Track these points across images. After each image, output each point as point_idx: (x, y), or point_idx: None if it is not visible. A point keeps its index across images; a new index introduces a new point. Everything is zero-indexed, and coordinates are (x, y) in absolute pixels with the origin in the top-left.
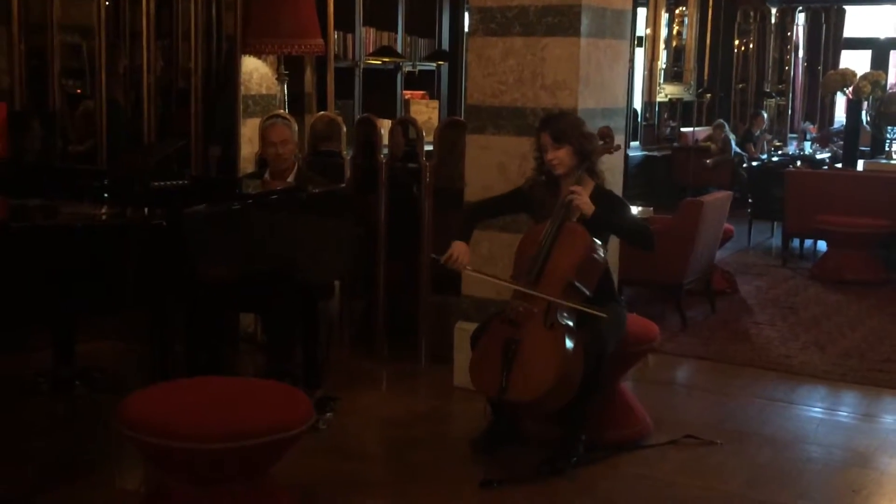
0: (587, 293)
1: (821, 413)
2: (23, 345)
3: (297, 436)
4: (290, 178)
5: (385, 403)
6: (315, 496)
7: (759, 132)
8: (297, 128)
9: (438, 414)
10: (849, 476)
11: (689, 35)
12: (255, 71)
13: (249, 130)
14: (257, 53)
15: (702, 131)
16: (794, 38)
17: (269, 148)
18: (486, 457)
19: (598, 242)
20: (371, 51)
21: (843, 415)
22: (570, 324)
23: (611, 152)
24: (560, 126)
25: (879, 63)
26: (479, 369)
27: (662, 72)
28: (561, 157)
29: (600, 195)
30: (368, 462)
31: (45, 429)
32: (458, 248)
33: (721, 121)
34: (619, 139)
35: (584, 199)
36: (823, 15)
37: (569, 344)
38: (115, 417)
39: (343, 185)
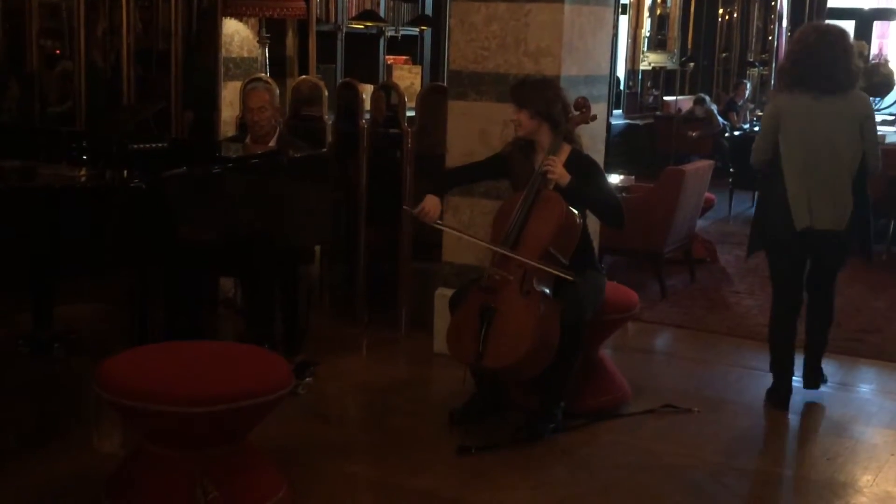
0: (564, 261)
1: (798, 381)
2: (1, 307)
3: (276, 400)
4: (272, 143)
5: (365, 369)
6: (294, 461)
7: (741, 101)
8: (278, 92)
9: (418, 380)
10: (824, 444)
11: (674, 3)
12: (236, 34)
13: (230, 93)
14: (238, 16)
15: (685, 100)
16: (778, 7)
17: (247, 113)
18: (465, 425)
19: (575, 211)
20: (353, 14)
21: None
22: (547, 291)
23: (587, 122)
24: (521, 90)
25: (862, 33)
26: (456, 337)
27: (646, 40)
28: (521, 119)
29: (577, 159)
30: (347, 427)
31: (24, 391)
32: (430, 202)
33: (701, 95)
34: (601, 107)
35: (559, 170)
36: None
37: (544, 310)
38: (94, 380)
39: (324, 149)
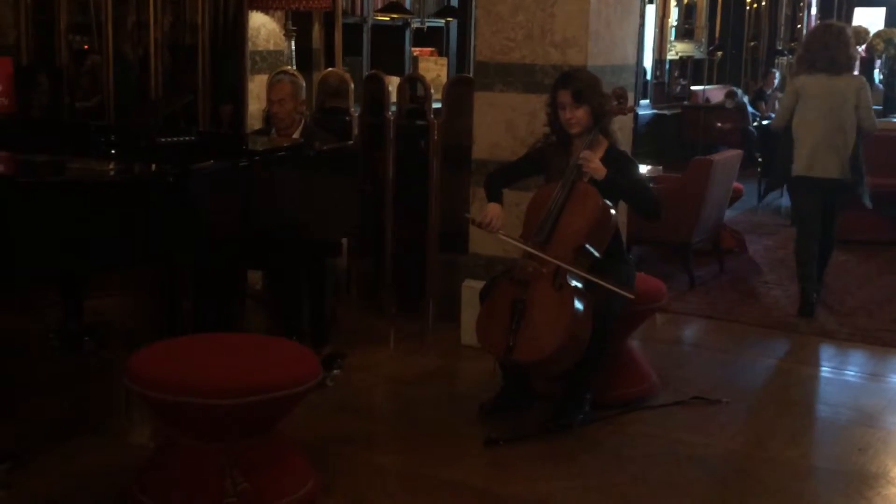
0: (597, 255)
1: (828, 372)
2: (32, 301)
3: (304, 392)
4: (296, 135)
5: (392, 361)
6: (322, 452)
7: (770, 91)
8: (304, 85)
9: (445, 372)
10: (855, 435)
11: None
12: (263, 27)
13: (257, 87)
14: (265, 9)
15: (712, 89)
16: None
17: (269, 105)
18: (494, 417)
19: (610, 203)
20: (379, 7)
21: (851, 374)
22: (580, 285)
23: (625, 113)
24: (581, 84)
25: (893, 20)
26: (487, 329)
27: (673, 29)
28: (579, 116)
29: (613, 156)
30: (375, 419)
31: (54, 385)
32: (493, 211)
33: (733, 88)
34: (629, 98)
35: (595, 164)
36: None
37: (577, 305)
38: (124, 373)
39: (351, 142)
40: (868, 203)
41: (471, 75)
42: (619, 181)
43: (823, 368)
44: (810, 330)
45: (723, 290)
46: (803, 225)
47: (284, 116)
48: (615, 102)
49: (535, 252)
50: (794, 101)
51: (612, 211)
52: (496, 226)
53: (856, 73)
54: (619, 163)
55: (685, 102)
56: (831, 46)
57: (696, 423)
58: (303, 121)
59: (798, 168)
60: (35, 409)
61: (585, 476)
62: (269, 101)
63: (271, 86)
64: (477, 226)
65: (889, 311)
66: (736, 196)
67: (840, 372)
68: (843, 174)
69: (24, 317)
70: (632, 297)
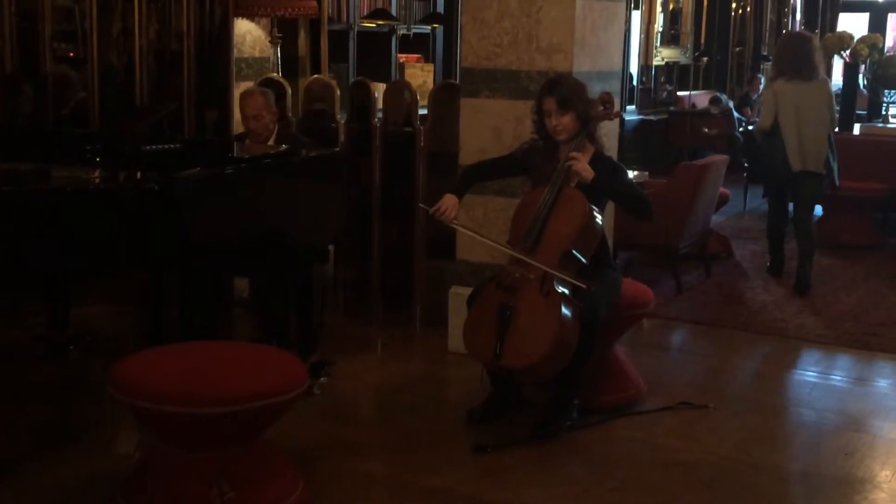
0: (584, 261)
1: (814, 377)
2: (16, 309)
3: (291, 400)
4: (271, 142)
5: (379, 368)
6: (309, 460)
7: (756, 96)
8: (289, 91)
9: (433, 379)
10: (842, 439)
11: None
12: (249, 33)
13: None
14: (250, 16)
15: (698, 95)
16: (792, 0)
17: (244, 120)
18: (482, 424)
19: (596, 209)
20: (365, 13)
21: (837, 378)
22: (567, 291)
23: (611, 118)
24: (566, 91)
25: (877, 26)
26: (473, 335)
27: (659, 35)
28: (565, 123)
29: (599, 161)
30: (363, 427)
31: (39, 394)
32: (448, 201)
33: (717, 94)
34: (615, 103)
35: (583, 165)
36: None
37: (564, 311)
38: (109, 382)
39: (337, 148)
40: (837, 183)
41: (457, 81)
42: (607, 183)
43: (809, 373)
44: (797, 334)
45: (709, 295)
46: (772, 207)
47: (262, 130)
48: (601, 108)
49: (523, 257)
50: (774, 102)
51: (599, 217)
52: (449, 215)
53: (823, 76)
54: (606, 167)
55: (671, 108)
56: (800, 54)
57: (683, 429)
58: (275, 128)
59: (794, 164)
60: (19, 418)
61: (573, 482)
62: (244, 116)
63: (243, 101)
64: (430, 214)
65: (875, 316)
66: (722, 201)
67: (826, 376)
68: (820, 168)
69: (8, 325)
70: (587, 288)
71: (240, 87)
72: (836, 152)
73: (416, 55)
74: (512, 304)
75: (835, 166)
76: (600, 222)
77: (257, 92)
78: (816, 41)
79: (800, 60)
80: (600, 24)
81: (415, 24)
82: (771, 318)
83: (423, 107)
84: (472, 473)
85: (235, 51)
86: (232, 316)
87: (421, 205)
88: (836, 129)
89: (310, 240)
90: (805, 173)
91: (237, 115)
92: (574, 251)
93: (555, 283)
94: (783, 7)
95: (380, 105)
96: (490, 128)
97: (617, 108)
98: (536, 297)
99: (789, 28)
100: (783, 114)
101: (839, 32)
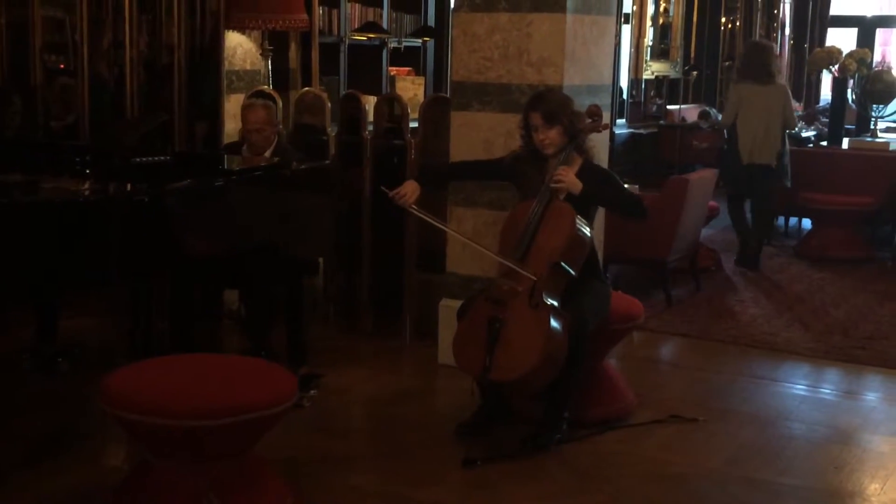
0: (573, 273)
1: (804, 390)
2: (6, 321)
3: (280, 413)
4: (269, 153)
5: (369, 381)
6: (299, 473)
7: None
8: (280, 104)
9: (423, 391)
10: (831, 453)
11: (676, 12)
12: (239, 46)
13: (233, 106)
14: (241, 28)
15: (688, 109)
16: (781, 15)
17: (245, 132)
18: (472, 437)
19: (585, 222)
20: (356, 26)
21: (826, 392)
22: (555, 304)
23: (599, 131)
24: (551, 106)
25: (865, 41)
26: (463, 348)
27: (649, 49)
28: (552, 137)
29: (589, 170)
30: (352, 439)
31: (28, 406)
32: (408, 186)
33: (706, 108)
34: (605, 117)
35: (571, 179)
36: None
37: (553, 324)
38: (98, 394)
39: (327, 161)
40: (788, 183)
41: (447, 95)
42: (596, 191)
43: (799, 386)
44: (786, 347)
45: (699, 308)
46: (731, 197)
47: (263, 142)
48: (589, 120)
49: (513, 266)
50: (737, 102)
51: (588, 229)
52: (408, 201)
53: (781, 81)
54: (596, 177)
55: (661, 122)
56: (761, 61)
57: (672, 442)
58: (275, 139)
59: (743, 157)
60: (8, 431)
61: (563, 495)
62: (246, 129)
63: (246, 112)
64: (390, 198)
65: (864, 329)
66: (712, 214)
67: (816, 390)
68: (772, 160)
69: None
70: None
71: (230, 100)
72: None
73: (406, 68)
74: (501, 317)
75: (787, 165)
76: (589, 235)
77: (260, 105)
78: (776, 50)
79: (760, 66)
80: (590, 39)
81: (405, 37)
82: (760, 331)
83: (413, 119)
84: (461, 486)
85: (226, 63)
86: (221, 328)
87: (382, 188)
88: (793, 129)
89: (299, 252)
90: (755, 166)
91: (228, 127)
92: (563, 263)
93: (544, 294)
94: (772, 22)
95: (370, 118)
96: (481, 141)
97: (605, 120)
98: (525, 310)
99: (778, 42)
100: (742, 113)
101: (828, 47)
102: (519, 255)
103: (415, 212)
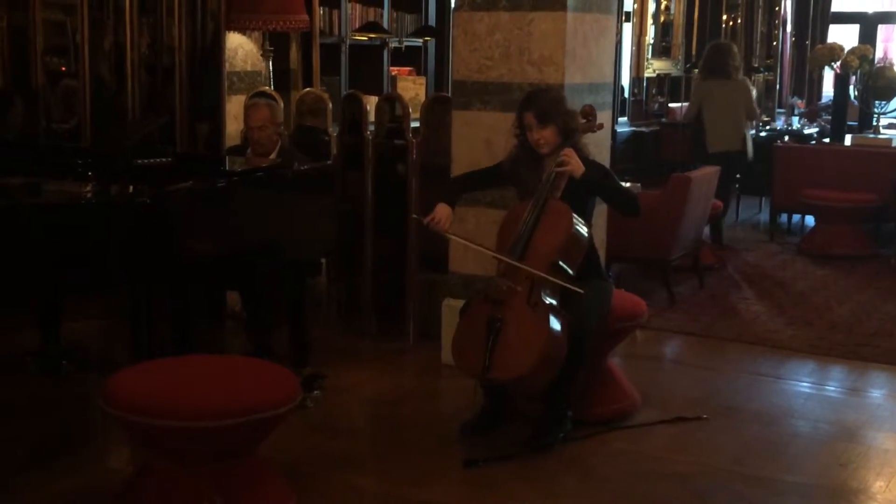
0: (571, 272)
1: (808, 388)
2: (8, 324)
3: (284, 414)
4: (273, 156)
5: (373, 381)
6: (302, 474)
7: None
8: (281, 106)
9: (426, 391)
10: (836, 450)
11: (677, 10)
12: (240, 47)
13: (234, 107)
14: (242, 29)
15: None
16: (782, 12)
17: (247, 130)
18: (475, 437)
19: (582, 221)
20: (357, 26)
21: (831, 389)
22: (554, 303)
23: (594, 130)
24: (543, 106)
25: (867, 37)
26: (462, 349)
27: (650, 47)
28: (546, 136)
29: (586, 164)
30: (356, 440)
31: (31, 408)
32: (442, 211)
33: None
34: (606, 115)
35: (575, 161)
36: None
37: (552, 323)
38: (100, 397)
39: (329, 162)
40: (750, 157)
41: (449, 94)
42: (596, 179)
43: (803, 384)
44: (790, 345)
45: (703, 306)
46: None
47: (265, 141)
48: (583, 120)
49: (513, 262)
50: (700, 99)
51: (585, 228)
52: (443, 226)
53: (741, 77)
54: (593, 169)
55: (663, 120)
56: (722, 60)
57: (677, 440)
58: (280, 141)
59: (710, 147)
60: (11, 433)
61: (566, 495)
62: (248, 126)
63: (248, 111)
64: (424, 225)
65: (868, 326)
66: (715, 212)
67: (820, 387)
68: (735, 147)
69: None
70: (579, 291)
71: (231, 101)
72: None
73: (407, 68)
74: (500, 317)
75: (750, 151)
76: (586, 233)
77: (262, 103)
78: (735, 49)
79: (722, 65)
80: (591, 37)
81: (406, 37)
82: (764, 328)
83: (414, 119)
84: (465, 487)
85: (227, 64)
86: (224, 329)
87: (414, 216)
88: (756, 119)
89: (302, 253)
90: (720, 153)
91: (229, 128)
92: (561, 262)
93: (542, 293)
94: (773, 19)
95: (372, 118)
96: (482, 140)
97: (600, 120)
98: (524, 309)
99: (779, 41)
100: (706, 106)
101: (830, 44)
102: (517, 253)
103: (451, 237)
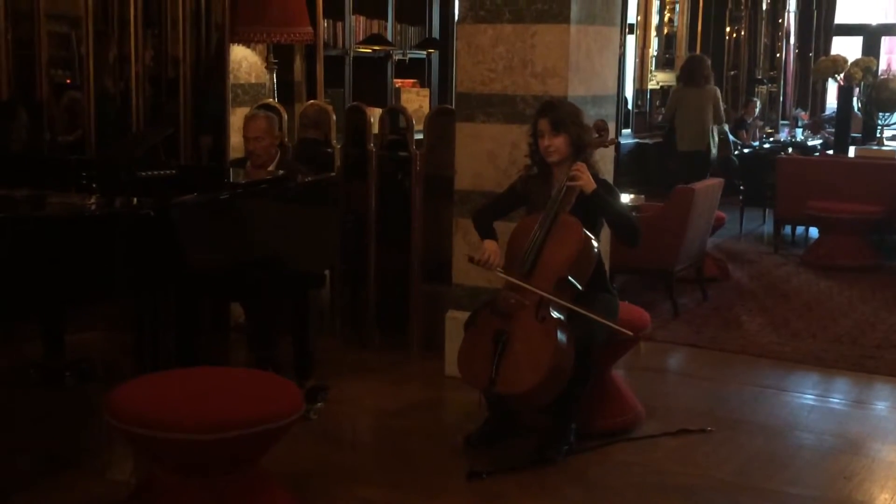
0: (580, 287)
1: (813, 400)
2: (12, 336)
3: (287, 426)
4: (272, 168)
5: (376, 393)
6: (306, 486)
7: (751, 119)
8: (285, 117)
9: (429, 403)
10: (840, 462)
11: (681, 22)
12: (244, 60)
13: (238, 119)
14: (246, 42)
15: None
16: (786, 24)
17: (245, 142)
18: (479, 449)
19: (592, 236)
20: (361, 39)
21: (835, 401)
22: (562, 317)
23: (606, 146)
24: (560, 114)
25: (870, 49)
26: (468, 361)
27: (654, 59)
28: (557, 144)
29: (595, 181)
30: (359, 452)
31: (35, 420)
32: (490, 248)
33: None
34: (610, 127)
35: (587, 176)
36: (814, 1)
37: (560, 337)
38: (104, 408)
39: (332, 174)
40: (714, 156)
41: (452, 106)
42: (605, 198)
43: (808, 396)
44: (794, 357)
45: (706, 318)
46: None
47: (262, 153)
48: (596, 135)
49: (521, 283)
50: (676, 104)
51: (595, 243)
52: (495, 262)
53: (712, 85)
54: (602, 187)
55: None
56: (695, 70)
57: (681, 453)
58: (279, 154)
59: (681, 146)
60: (14, 445)
61: None
62: (245, 138)
63: (246, 123)
64: (476, 264)
65: (872, 338)
66: (718, 224)
67: (825, 399)
68: (701, 147)
69: (2, 351)
70: (622, 330)
71: (236, 114)
72: (719, 143)
73: (411, 80)
74: (507, 330)
75: (714, 150)
76: (596, 248)
77: (261, 115)
78: (708, 61)
79: (698, 74)
80: (595, 49)
81: (410, 49)
82: (768, 340)
83: (418, 131)
84: (469, 499)
85: (231, 77)
86: (228, 341)
87: (468, 256)
88: (723, 124)
89: (305, 265)
90: (689, 152)
91: (233, 140)
92: (570, 277)
93: (550, 308)
94: (777, 31)
95: (375, 130)
96: (485, 152)
97: (613, 135)
98: (532, 323)
99: (783, 52)
100: (679, 110)
101: (833, 56)
102: (526, 268)
103: (502, 274)
